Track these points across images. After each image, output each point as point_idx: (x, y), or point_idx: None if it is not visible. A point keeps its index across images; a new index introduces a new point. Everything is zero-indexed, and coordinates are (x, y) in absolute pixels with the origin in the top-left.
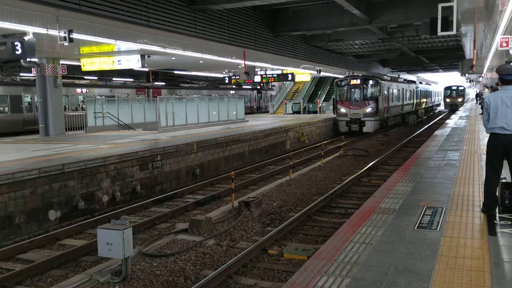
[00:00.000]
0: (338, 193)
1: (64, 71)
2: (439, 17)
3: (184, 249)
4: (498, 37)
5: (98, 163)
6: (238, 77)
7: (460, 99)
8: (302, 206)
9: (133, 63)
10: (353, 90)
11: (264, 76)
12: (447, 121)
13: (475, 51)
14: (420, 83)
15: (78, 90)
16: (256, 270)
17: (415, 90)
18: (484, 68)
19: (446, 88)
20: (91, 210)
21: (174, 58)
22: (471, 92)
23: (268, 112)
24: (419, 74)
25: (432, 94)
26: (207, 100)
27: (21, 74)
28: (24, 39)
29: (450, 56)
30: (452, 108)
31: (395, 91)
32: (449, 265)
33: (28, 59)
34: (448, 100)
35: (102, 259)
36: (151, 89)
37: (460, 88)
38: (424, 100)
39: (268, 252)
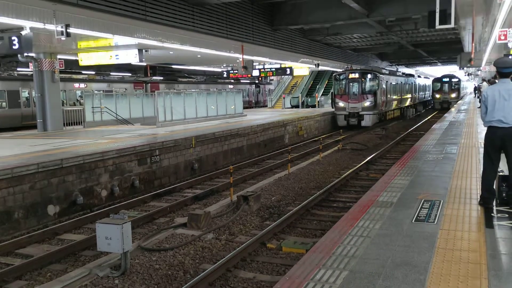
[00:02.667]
0: (336, 187)
1: (61, 65)
2: (437, 10)
3: (183, 243)
4: (497, 30)
5: (96, 158)
6: (236, 71)
7: (454, 95)
8: (301, 200)
9: (131, 57)
10: (351, 84)
11: (263, 70)
12: (445, 114)
13: (473, 44)
14: (419, 76)
15: (76, 85)
16: (255, 263)
17: (413, 83)
18: (483, 62)
19: (435, 80)
20: (90, 205)
21: (172, 53)
22: (469, 86)
23: (266, 106)
24: (417, 68)
25: (430, 88)
26: (206, 94)
27: (18, 69)
28: (21, 34)
29: (449, 50)
30: (444, 107)
31: (393, 84)
32: (446, 258)
33: (25, 54)
34: (437, 96)
35: (101, 253)
36: (149, 84)
37: (453, 80)
38: (423, 93)
39: (267, 245)
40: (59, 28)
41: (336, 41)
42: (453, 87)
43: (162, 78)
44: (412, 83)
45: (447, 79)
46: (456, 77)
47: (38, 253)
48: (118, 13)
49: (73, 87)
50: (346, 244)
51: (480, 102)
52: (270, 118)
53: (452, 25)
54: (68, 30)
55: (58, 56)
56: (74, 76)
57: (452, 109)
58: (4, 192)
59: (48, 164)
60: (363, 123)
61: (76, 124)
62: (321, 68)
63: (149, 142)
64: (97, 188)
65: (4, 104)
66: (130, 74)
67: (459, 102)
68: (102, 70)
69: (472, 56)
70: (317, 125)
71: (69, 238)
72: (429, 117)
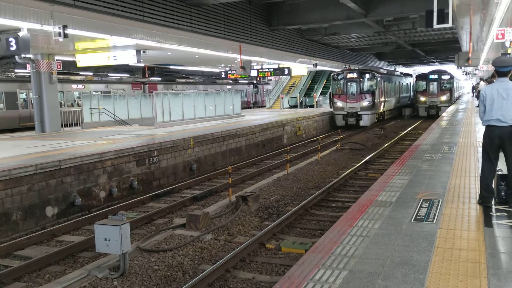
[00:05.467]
0: (335, 187)
1: (59, 67)
2: (435, 9)
3: (182, 244)
4: (494, 29)
5: (94, 159)
6: (234, 71)
7: (444, 97)
8: (300, 200)
9: (129, 58)
10: (349, 83)
11: (261, 70)
12: (443, 114)
13: (471, 43)
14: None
15: (74, 86)
16: (254, 264)
17: (411, 83)
18: (480, 61)
19: (420, 78)
20: (88, 206)
21: (170, 53)
22: (466, 85)
23: (264, 106)
24: (415, 67)
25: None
26: (204, 95)
27: (16, 71)
28: (18, 35)
29: (446, 49)
30: (431, 114)
31: (391, 84)
32: (446, 257)
33: (22, 55)
34: (422, 98)
35: (100, 255)
36: (147, 85)
37: (444, 77)
38: None
39: (266, 246)
40: (57, 29)
41: (334, 41)
42: (443, 87)
43: (160, 78)
44: (409, 82)
45: (435, 76)
46: (448, 74)
47: (37, 255)
48: (115, 13)
49: (71, 88)
50: (345, 244)
51: (478, 101)
52: (269, 119)
53: (449, 24)
54: (65, 31)
55: (56, 57)
56: (72, 77)
57: (450, 109)
58: (2, 194)
59: (46, 166)
60: (362, 123)
61: (74, 125)
62: (319, 68)
63: (147, 143)
64: (95, 189)
65: (1, 105)
66: (128, 75)
67: (450, 109)
68: (100, 71)
69: (470, 55)
70: (316, 125)
71: (67, 240)
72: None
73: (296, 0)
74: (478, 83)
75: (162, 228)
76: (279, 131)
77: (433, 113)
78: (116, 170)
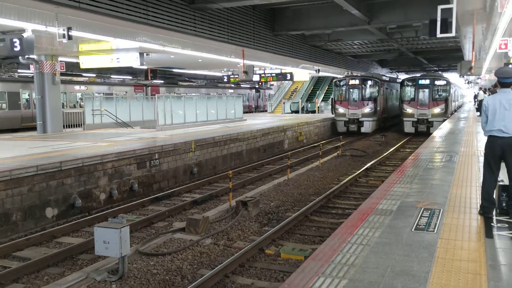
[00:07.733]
0: (335, 194)
1: (62, 68)
2: (438, 19)
3: (181, 248)
4: (497, 39)
5: (95, 161)
6: (237, 76)
7: (437, 109)
8: (300, 206)
9: (132, 61)
10: (351, 90)
11: (263, 75)
12: (445, 123)
13: (473, 52)
14: None
15: (76, 87)
16: (253, 269)
17: None
18: (483, 70)
19: (406, 83)
20: (88, 208)
21: (173, 56)
22: (469, 94)
23: (266, 111)
24: (417, 75)
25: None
26: (206, 98)
27: (19, 71)
28: (22, 36)
29: (449, 57)
30: (420, 130)
31: (393, 91)
32: (446, 268)
33: (26, 56)
34: (409, 110)
35: (99, 257)
36: (149, 87)
37: (438, 83)
38: None
39: (265, 252)
40: (61, 31)
41: (336, 47)
42: (436, 96)
43: (162, 81)
44: None
45: (427, 82)
46: (443, 79)
47: (36, 256)
48: (120, 16)
49: (73, 90)
50: (345, 252)
51: (477, 111)
52: (270, 123)
53: (452, 34)
54: (69, 33)
55: (59, 59)
56: (75, 78)
57: (451, 118)
58: (3, 194)
59: (47, 167)
60: (363, 130)
61: (76, 127)
62: (321, 74)
63: (148, 145)
64: (95, 191)
65: (4, 105)
66: (130, 77)
67: (445, 126)
68: (102, 73)
69: (473, 64)
70: (317, 130)
71: (67, 241)
72: None
73: (300, 6)
74: (477, 93)
75: (162, 231)
76: (280, 136)
77: (423, 130)
78: (117, 172)
